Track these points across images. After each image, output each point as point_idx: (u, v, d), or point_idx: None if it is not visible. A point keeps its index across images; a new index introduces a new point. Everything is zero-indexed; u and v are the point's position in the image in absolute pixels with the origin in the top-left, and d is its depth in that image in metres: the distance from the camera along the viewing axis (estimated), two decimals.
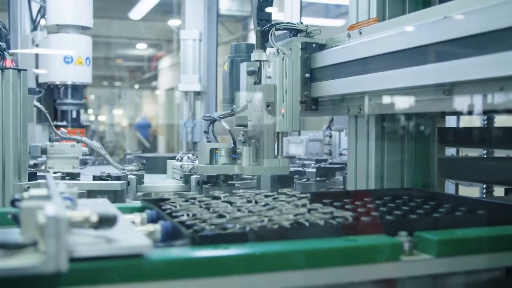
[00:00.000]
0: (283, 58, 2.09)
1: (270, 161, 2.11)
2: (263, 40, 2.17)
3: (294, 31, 2.17)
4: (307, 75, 2.07)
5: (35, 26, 4.61)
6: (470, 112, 1.67)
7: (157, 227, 1.21)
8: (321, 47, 2.09)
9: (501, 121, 2.83)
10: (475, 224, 1.31)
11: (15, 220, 1.10)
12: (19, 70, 2.22)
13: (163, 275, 0.97)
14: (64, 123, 4.27)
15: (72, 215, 0.93)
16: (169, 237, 1.20)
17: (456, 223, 1.31)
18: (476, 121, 2.94)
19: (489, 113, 2.39)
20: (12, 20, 4.72)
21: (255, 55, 2.15)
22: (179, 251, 1.05)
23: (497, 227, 1.29)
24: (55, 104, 4.43)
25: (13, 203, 1.16)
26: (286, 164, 2.16)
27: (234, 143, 2.22)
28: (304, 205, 1.43)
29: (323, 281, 1.08)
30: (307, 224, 1.23)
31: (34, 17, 4.65)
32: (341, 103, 2.06)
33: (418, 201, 1.62)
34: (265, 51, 2.17)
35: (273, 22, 2.20)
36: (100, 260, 0.92)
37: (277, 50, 2.11)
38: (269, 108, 2.09)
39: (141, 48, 15.84)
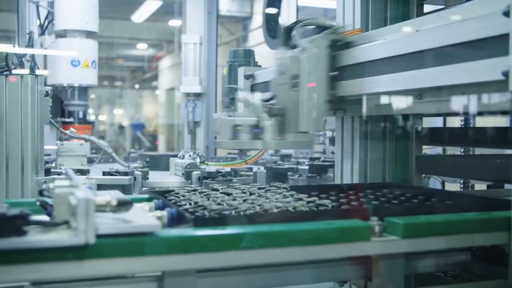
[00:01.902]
0: (309, 56, 1.96)
1: (294, 135, 2.01)
2: (287, 38, 2.10)
3: (320, 28, 2.04)
4: (333, 73, 1.94)
5: (43, 31, 4.81)
6: (440, 114, 1.87)
7: (164, 213, 1.39)
8: (347, 44, 1.95)
9: (480, 121, 3.04)
10: (441, 212, 1.51)
11: (43, 206, 1.31)
12: (36, 75, 2.42)
13: (170, 250, 1.17)
14: (71, 119, 4.48)
15: (96, 199, 1.13)
16: (175, 221, 1.39)
17: (424, 211, 1.50)
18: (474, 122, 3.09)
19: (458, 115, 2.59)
20: (21, 25, 4.91)
21: (281, 53, 2.10)
22: (184, 231, 1.25)
23: (457, 214, 1.49)
24: (62, 105, 4.64)
25: (41, 192, 1.36)
26: (310, 139, 2.05)
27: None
28: (292, 196, 1.63)
29: (304, 257, 1.29)
30: (292, 210, 1.43)
31: (42, 22, 4.85)
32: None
33: (396, 193, 1.81)
34: (289, 49, 2.08)
35: (298, 19, 2.11)
36: (119, 236, 1.12)
37: (303, 48, 1.98)
38: (294, 81, 1.98)
39: (142, 48, 16.01)
